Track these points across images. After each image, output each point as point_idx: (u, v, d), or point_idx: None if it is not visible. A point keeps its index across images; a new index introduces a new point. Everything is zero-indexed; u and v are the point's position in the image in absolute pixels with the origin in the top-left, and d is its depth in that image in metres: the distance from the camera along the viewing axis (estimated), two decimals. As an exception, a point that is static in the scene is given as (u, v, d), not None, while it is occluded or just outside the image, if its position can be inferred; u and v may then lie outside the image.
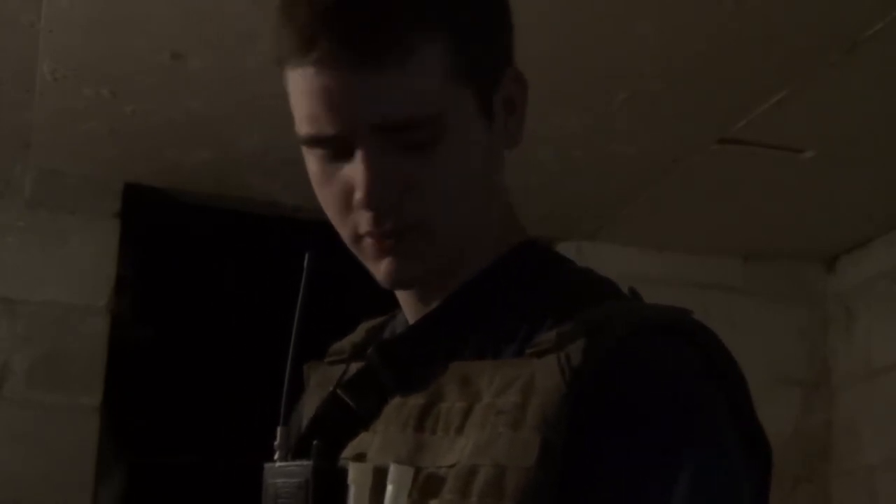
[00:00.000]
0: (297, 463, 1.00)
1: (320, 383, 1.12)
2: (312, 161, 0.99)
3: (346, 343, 1.14)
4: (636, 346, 0.91)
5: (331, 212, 1.00)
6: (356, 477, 0.95)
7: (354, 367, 1.07)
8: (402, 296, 1.07)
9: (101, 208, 3.12)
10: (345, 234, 1.00)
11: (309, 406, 1.11)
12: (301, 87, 0.96)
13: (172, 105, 2.68)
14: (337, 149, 0.96)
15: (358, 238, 0.99)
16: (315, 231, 1.19)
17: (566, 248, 3.35)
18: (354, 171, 0.95)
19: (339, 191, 0.98)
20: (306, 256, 1.06)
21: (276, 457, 1.03)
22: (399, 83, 0.93)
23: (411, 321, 1.06)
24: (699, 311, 0.98)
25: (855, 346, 3.46)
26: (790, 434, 3.46)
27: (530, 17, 2.23)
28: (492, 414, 0.91)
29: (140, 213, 3.16)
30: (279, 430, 1.04)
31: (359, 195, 0.95)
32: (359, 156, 0.95)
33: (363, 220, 0.97)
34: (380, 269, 1.00)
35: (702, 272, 3.52)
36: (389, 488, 0.92)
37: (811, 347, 3.57)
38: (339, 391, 1.04)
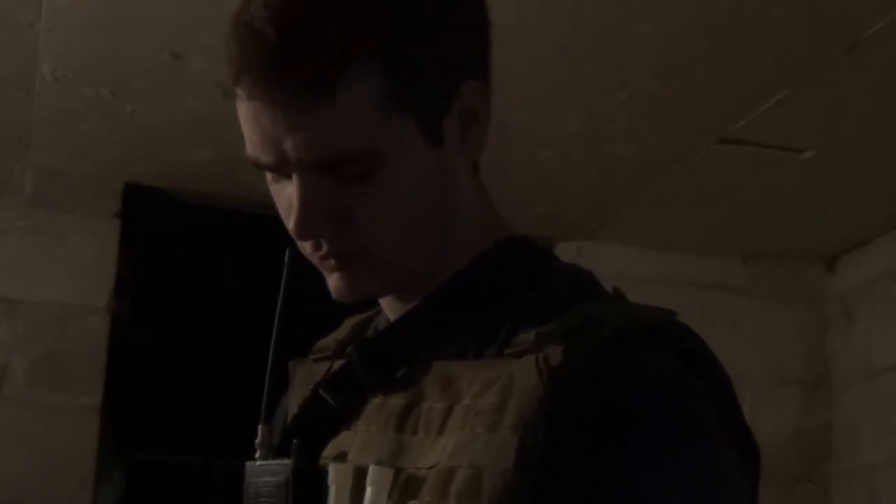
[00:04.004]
0: (278, 462, 0.99)
1: (304, 380, 1.10)
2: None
3: (331, 340, 1.13)
4: (620, 352, 0.90)
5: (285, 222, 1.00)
6: (336, 477, 0.94)
7: (338, 364, 1.06)
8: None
9: (101, 208, 3.12)
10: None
11: (293, 404, 1.10)
12: (240, 111, 0.96)
13: (172, 105, 2.67)
14: (278, 172, 0.97)
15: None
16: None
17: (566, 248, 3.35)
18: (292, 196, 0.96)
19: (285, 208, 0.98)
20: (287, 252, 1.06)
21: (257, 455, 1.03)
22: (325, 121, 0.92)
23: (392, 319, 1.05)
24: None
25: (855, 346, 3.45)
26: (790, 434, 3.46)
27: (531, 17, 2.24)
28: (471, 415, 0.90)
29: (140, 213, 3.16)
30: (260, 428, 1.03)
31: (290, 225, 0.96)
32: (295, 182, 0.95)
33: (303, 244, 0.99)
34: (329, 284, 1.00)
35: (702, 272, 3.51)
36: (368, 490, 0.91)
37: (811, 347, 3.57)
38: (319, 390, 1.03)
